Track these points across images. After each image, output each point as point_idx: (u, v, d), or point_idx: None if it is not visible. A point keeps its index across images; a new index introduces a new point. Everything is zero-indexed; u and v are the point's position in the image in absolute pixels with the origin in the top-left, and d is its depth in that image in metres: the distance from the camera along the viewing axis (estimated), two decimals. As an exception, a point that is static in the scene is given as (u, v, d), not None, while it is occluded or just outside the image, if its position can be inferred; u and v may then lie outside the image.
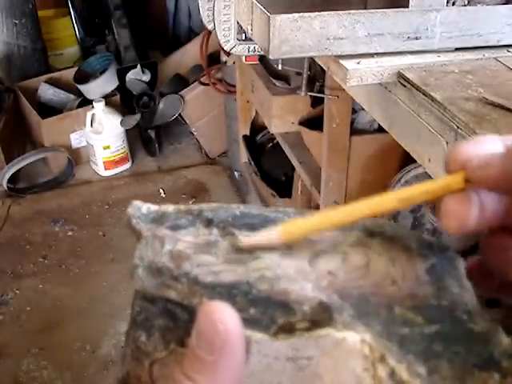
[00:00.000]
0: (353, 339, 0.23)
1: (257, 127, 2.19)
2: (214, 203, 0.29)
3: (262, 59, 1.82)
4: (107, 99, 2.56)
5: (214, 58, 2.37)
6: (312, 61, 1.36)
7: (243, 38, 1.08)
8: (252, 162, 2.08)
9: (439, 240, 0.28)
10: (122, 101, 2.71)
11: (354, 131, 1.44)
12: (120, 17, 2.94)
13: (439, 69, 0.82)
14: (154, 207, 0.28)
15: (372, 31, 0.81)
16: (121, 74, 2.71)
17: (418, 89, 0.77)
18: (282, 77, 1.72)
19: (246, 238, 0.26)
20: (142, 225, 0.27)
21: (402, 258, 0.27)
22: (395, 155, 1.45)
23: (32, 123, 2.61)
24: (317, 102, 1.62)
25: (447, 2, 0.84)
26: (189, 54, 2.79)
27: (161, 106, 2.58)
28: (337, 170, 1.46)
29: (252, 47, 1.10)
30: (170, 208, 0.28)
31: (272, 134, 1.95)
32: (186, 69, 2.79)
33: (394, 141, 0.89)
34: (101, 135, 2.51)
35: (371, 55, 0.83)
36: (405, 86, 0.80)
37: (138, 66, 2.74)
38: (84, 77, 2.77)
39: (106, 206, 2.38)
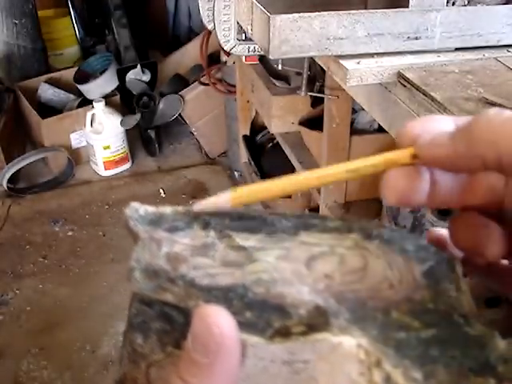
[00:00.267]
0: (349, 344, 0.23)
1: (257, 127, 2.19)
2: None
3: (262, 59, 1.82)
4: (107, 99, 2.56)
5: (214, 58, 2.37)
6: (312, 61, 1.36)
7: (243, 37, 1.08)
8: (252, 162, 2.08)
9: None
10: (122, 101, 2.71)
11: (354, 131, 1.44)
12: (120, 17, 2.94)
13: (439, 69, 0.82)
14: (151, 209, 0.28)
15: (372, 31, 0.81)
16: (121, 74, 2.71)
17: (417, 89, 0.77)
18: (282, 77, 1.72)
19: (197, 203, 0.26)
20: (140, 227, 0.27)
21: (399, 261, 0.27)
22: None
23: (32, 123, 2.61)
24: (317, 101, 1.62)
25: (447, 2, 0.84)
26: (189, 54, 2.80)
27: (161, 106, 2.58)
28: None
29: (252, 47, 1.10)
30: (167, 210, 0.28)
31: (272, 134, 1.95)
32: (185, 69, 2.79)
33: (394, 141, 0.89)
34: (101, 135, 2.51)
35: (371, 55, 0.83)
36: (405, 86, 0.80)
37: (138, 65, 2.74)
38: (84, 77, 2.77)
39: (106, 206, 2.38)
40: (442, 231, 0.28)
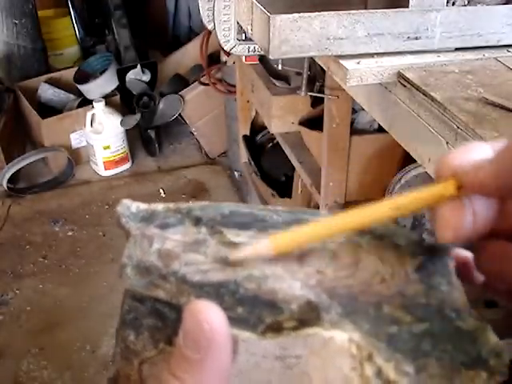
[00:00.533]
0: (340, 338, 0.23)
1: (257, 127, 2.19)
2: (203, 201, 0.29)
3: (262, 59, 1.82)
4: (107, 99, 2.56)
5: (214, 58, 2.37)
6: (312, 61, 1.36)
7: (243, 37, 1.08)
8: (252, 162, 2.08)
9: (428, 238, 0.28)
10: (122, 101, 2.71)
11: (354, 131, 1.44)
12: (120, 17, 2.94)
13: (439, 69, 0.82)
14: (143, 206, 0.28)
15: (372, 31, 0.81)
16: (121, 74, 2.71)
17: (418, 89, 0.77)
18: (282, 77, 1.72)
19: (235, 252, 0.26)
20: (132, 224, 0.27)
21: (391, 256, 0.27)
22: (395, 155, 1.45)
23: (32, 123, 2.61)
24: (317, 101, 1.62)
25: (447, 2, 0.84)
26: (189, 54, 2.80)
27: (161, 105, 2.58)
28: (337, 170, 1.46)
29: (252, 47, 1.10)
30: (159, 207, 0.28)
31: (272, 134, 1.95)
32: (185, 69, 2.79)
33: (394, 141, 0.89)
34: (101, 135, 2.51)
35: (371, 55, 0.83)
36: (405, 86, 0.80)
37: (138, 65, 2.74)
38: (84, 77, 2.77)
39: (106, 206, 2.38)
40: (467, 254, 0.28)
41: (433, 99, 0.74)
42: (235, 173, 2.49)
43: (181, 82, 2.69)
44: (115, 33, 2.97)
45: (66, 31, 3.29)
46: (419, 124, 0.79)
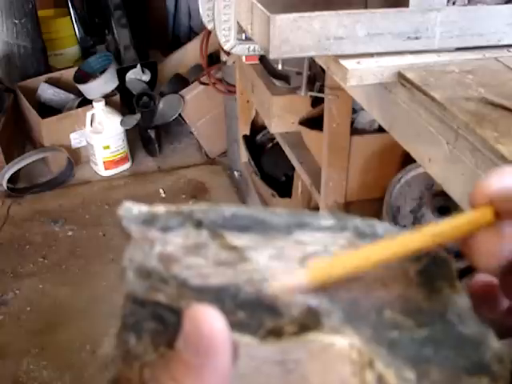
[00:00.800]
0: (341, 344, 0.23)
1: (257, 127, 2.19)
2: (204, 204, 0.28)
3: (262, 59, 1.82)
4: (107, 99, 2.55)
5: (214, 58, 2.37)
6: (312, 61, 1.36)
7: (243, 37, 1.08)
8: (252, 162, 2.08)
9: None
10: (122, 101, 2.71)
11: (354, 131, 1.44)
12: (120, 17, 2.94)
13: (439, 69, 0.82)
14: (144, 208, 0.28)
15: (372, 31, 0.81)
16: (121, 74, 2.71)
17: (418, 89, 0.77)
18: (282, 77, 1.72)
19: (273, 284, 0.25)
20: (133, 226, 0.27)
21: None
22: (395, 155, 1.45)
23: (32, 123, 2.61)
24: (317, 101, 1.62)
25: (447, 2, 0.84)
26: (189, 54, 2.79)
27: (161, 105, 2.58)
28: (337, 170, 1.46)
29: (252, 47, 1.09)
30: (160, 209, 0.28)
31: (272, 134, 1.95)
32: (185, 69, 2.79)
33: (394, 141, 0.89)
34: (101, 135, 2.51)
35: (371, 55, 0.83)
36: (405, 86, 0.80)
37: (138, 65, 2.74)
38: (84, 77, 2.77)
39: (106, 206, 2.38)
40: (491, 278, 0.28)
41: (433, 99, 0.74)
42: (235, 173, 2.49)
43: (181, 82, 2.69)
44: (115, 33, 2.97)
45: (66, 31, 3.29)
46: (419, 124, 0.79)
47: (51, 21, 3.20)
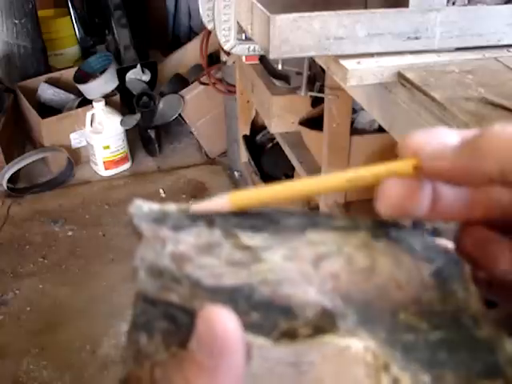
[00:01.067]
0: (356, 346, 0.23)
1: (257, 127, 2.19)
2: None
3: (262, 59, 1.82)
4: (107, 99, 2.55)
5: (214, 58, 2.37)
6: (312, 61, 1.36)
7: (243, 37, 1.08)
8: (252, 162, 2.08)
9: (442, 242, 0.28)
10: (122, 101, 2.71)
11: (354, 131, 1.44)
12: (120, 17, 2.94)
13: (439, 69, 0.82)
14: (155, 206, 0.27)
15: (372, 31, 0.81)
16: (121, 74, 2.71)
17: (418, 89, 0.77)
18: (282, 77, 1.72)
19: (195, 205, 0.26)
20: (144, 225, 0.26)
21: (406, 261, 0.26)
22: (395, 155, 1.45)
23: (32, 123, 2.61)
24: (317, 101, 1.62)
25: (447, 2, 0.84)
26: (189, 54, 2.80)
27: (161, 105, 2.58)
28: (337, 170, 1.46)
29: (252, 47, 1.10)
30: (172, 208, 0.27)
31: (272, 134, 1.95)
32: (185, 69, 2.79)
33: (394, 141, 0.89)
34: (101, 135, 2.51)
35: (371, 55, 0.83)
36: (405, 86, 0.80)
37: (138, 65, 2.74)
38: (84, 77, 2.77)
39: (106, 206, 2.38)
40: (447, 243, 0.28)
41: (433, 99, 0.74)
42: (235, 173, 2.49)
43: (181, 82, 2.69)
44: (115, 33, 2.97)
45: (66, 31, 3.29)
46: (419, 124, 0.79)
47: (51, 21, 3.20)
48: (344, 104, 1.36)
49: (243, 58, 1.83)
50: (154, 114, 2.60)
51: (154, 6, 3.47)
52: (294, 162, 1.70)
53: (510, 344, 0.24)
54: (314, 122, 1.58)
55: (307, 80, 1.46)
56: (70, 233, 2.24)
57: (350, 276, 0.26)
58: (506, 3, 0.87)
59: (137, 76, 2.72)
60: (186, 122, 2.62)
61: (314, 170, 1.60)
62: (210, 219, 0.27)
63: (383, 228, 0.28)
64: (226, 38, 1.07)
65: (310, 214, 0.28)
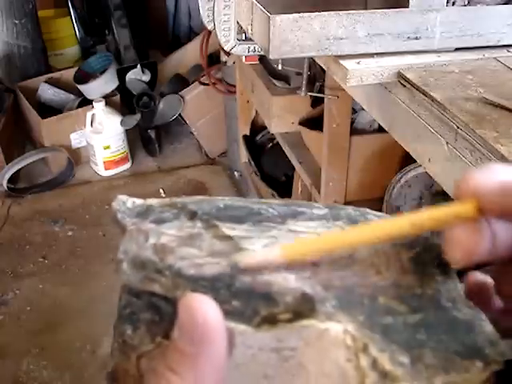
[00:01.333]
0: (335, 330, 0.23)
1: (257, 127, 2.19)
2: (198, 196, 0.29)
3: (262, 59, 1.82)
4: (107, 99, 2.55)
5: (214, 58, 2.37)
6: (312, 61, 1.36)
7: (243, 37, 1.08)
8: (252, 162, 2.08)
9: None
10: (122, 101, 2.71)
11: (354, 131, 1.44)
12: (120, 17, 2.94)
13: (439, 69, 0.82)
14: (139, 201, 0.28)
15: (372, 31, 0.81)
16: (121, 74, 2.71)
17: (418, 89, 0.77)
18: (282, 77, 1.72)
19: (246, 258, 0.25)
20: (127, 219, 0.27)
21: (386, 247, 0.27)
22: (395, 155, 1.45)
23: (32, 123, 2.61)
24: (317, 101, 1.63)
25: (447, 2, 0.84)
26: (189, 54, 2.79)
27: (161, 105, 2.58)
28: (337, 170, 1.46)
29: (252, 47, 1.10)
30: (154, 201, 0.28)
31: (272, 134, 1.95)
32: (185, 69, 2.79)
33: (394, 141, 0.89)
34: (101, 135, 2.51)
35: (371, 55, 0.83)
36: (405, 86, 0.80)
37: (138, 65, 2.74)
38: (84, 77, 2.77)
39: (106, 206, 2.38)
40: (486, 278, 0.28)
41: (433, 99, 0.74)
42: (235, 173, 2.50)
43: (181, 82, 2.69)
44: (115, 33, 2.96)
45: (66, 31, 3.29)
46: (419, 124, 0.79)
47: (51, 21, 3.20)
48: (344, 104, 1.36)
49: (243, 58, 1.83)
50: (154, 114, 2.60)
51: (154, 6, 3.46)
52: (294, 162, 1.70)
53: (489, 325, 0.24)
54: (314, 122, 1.58)
55: (307, 80, 1.46)
56: (70, 233, 2.24)
57: (330, 263, 0.26)
58: (505, 3, 0.87)
59: (137, 76, 2.71)
60: (186, 122, 2.62)
61: (314, 170, 1.60)
62: (191, 212, 0.27)
63: (362, 216, 0.28)
64: (226, 38, 1.08)
65: (290, 203, 0.28)
